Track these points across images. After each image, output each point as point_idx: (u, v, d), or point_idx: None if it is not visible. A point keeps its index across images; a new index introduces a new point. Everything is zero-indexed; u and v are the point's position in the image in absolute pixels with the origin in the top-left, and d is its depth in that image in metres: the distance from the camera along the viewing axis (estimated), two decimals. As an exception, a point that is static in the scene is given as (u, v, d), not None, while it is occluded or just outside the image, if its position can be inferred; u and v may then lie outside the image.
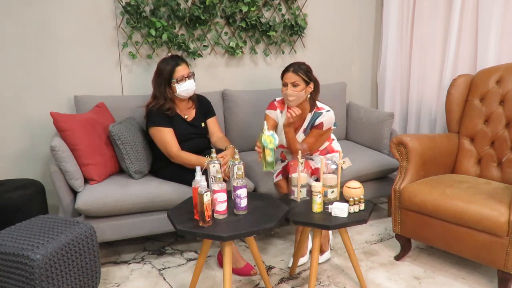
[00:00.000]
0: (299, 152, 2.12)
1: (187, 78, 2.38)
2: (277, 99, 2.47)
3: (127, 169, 2.42)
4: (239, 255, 2.30)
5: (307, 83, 2.31)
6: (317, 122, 2.34)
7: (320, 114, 2.35)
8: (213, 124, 2.62)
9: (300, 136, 2.41)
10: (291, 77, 2.28)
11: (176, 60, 2.38)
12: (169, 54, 2.55)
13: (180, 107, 2.49)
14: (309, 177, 2.28)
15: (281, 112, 2.43)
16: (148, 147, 2.52)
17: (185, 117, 2.49)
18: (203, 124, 2.56)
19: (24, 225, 1.95)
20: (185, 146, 2.41)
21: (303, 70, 2.30)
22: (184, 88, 2.38)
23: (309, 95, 2.34)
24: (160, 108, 2.38)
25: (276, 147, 2.09)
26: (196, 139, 2.51)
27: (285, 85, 2.31)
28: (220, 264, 2.36)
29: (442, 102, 2.88)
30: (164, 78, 2.37)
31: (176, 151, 2.35)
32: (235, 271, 2.28)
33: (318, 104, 2.40)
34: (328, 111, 2.37)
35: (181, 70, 2.36)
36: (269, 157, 2.08)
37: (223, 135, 2.65)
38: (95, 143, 2.36)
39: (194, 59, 2.96)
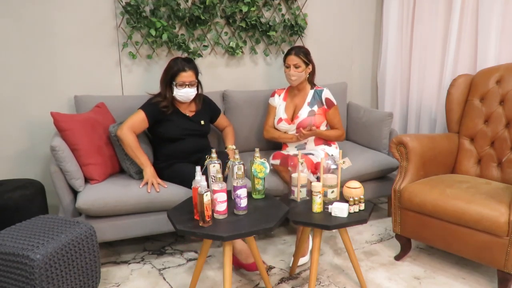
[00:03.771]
0: (299, 152, 2.13)
1: (187, 86, 2.40)
2: (277, 89, 2.78)
3: (128, 169, 2.42)
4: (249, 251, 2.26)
5: (306, 64, 2.59)
6: (324, 99, 2.63)
7: (321, 91, 2.65)
8: (221, 120, 2.73)
9: (305, 109, 2.62)
10: (293, 59, 2.56)
11: (184, 65, 2.39)
12: (185, 55, 2.57)
13: (183, 107, 2.51)
14: (310, 173, 2.35)
15: (279, 95, 2.74)
16: (149, 147, 2.52)
17: (186, 114, 2.52)
18: (203, 122, 2.56)
19: (24, 225, 1.95)
20: (184, 144, 2.45)
21: (303, 53, 2.58)
22: (180, 94, 2.41)
23: (308, 76, 2.63)
24: (158, 103, 2.42)
25: (266, 175, 2.09)
26: (196, 137, 2.53)
27: (287, 67, 2.58)
28: (236, 265, 2.31)
29: (442, 102, 2.89)
30: (167, 77, 2.40)
31: (127, 127, 2.32)
32: (246, 266, 2.25)
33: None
34: (325, 88, 2.69)
35: (184, 76, 2.38)
36: (259, 186, 2.08)
37: (230, 127, 2.77)
38: (95, 143, 2.36)
39: (194, 59, 2.95)
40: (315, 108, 2.63)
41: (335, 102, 2.66)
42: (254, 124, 2.96)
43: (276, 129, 2.70)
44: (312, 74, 2.67)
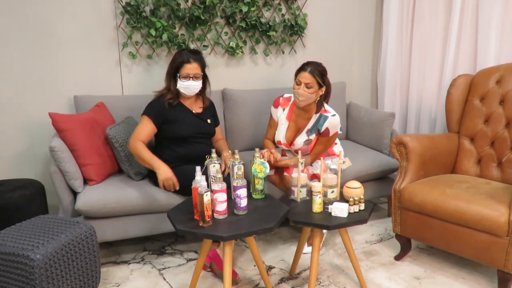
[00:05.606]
0: (299, 152, 2.13)
1: (192, 78, 2.32)
2: (286, 95, 2.48)
3: (127, 170, 2.41)
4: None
5: (320, 86, 2.29)
6: (323, 128, 2.32)
7: (326, 118, 2.31)
8: (218, 132, 2.60)
9: (303, 136, 2.39)
10: (306, 77, 2.26)
11: (190, 57, 2.31)
12: (192, 47, 2.49)
13: (188, 102, 2.44)
14: (308, 180, 2.28)
15: (283, 109, 2.45)
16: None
17: (192, 110, 2.44)
18: (209, 121, 2.48)
19: (24, 225, 1.95)
20: (194, 147, 2.37)
21: (319, 72, 2.27)
22: (183, 86, 2.33)
23: (318, 98, 2.32)
24: (161, 98, 2.34)
25: (266, 176, 2.07)
26: (206, 139, 2.45)
27: (298, 83, 2.29)
28: (215, 266, 2.29)
29: (442, 102, 2.88)
30: (172, 69, 2.34)
31: (135, 139, 2.24)
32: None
33: (325, 106, 2.39)
34: (333, 115, 2.33)
35: (188, 68, 2.30)
36: (259, 185, 2.08)
37: (224, 141, 2.65)
38: (93, 143, 2.35)
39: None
40: (312, 136, 2.38)
41: (331, 133, 2.32)
42: (253, 124, 2.95)
43: (274, 142, 2.52)
44: (325, 96, 2.36)
